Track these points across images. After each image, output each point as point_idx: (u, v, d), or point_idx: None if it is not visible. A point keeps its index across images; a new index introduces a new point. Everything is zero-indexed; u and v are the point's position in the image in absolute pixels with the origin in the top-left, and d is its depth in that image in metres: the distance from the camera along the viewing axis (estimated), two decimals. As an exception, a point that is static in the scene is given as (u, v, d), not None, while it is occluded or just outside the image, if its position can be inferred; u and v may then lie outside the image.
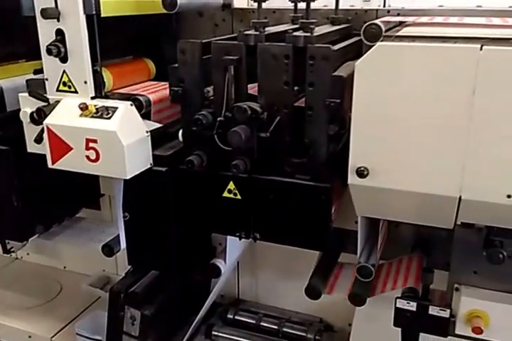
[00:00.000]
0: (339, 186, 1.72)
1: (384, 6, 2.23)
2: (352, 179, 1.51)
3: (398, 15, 2.14)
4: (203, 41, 1.72)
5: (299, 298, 2.12)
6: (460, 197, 1.41)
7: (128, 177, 1.77)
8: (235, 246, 2.23)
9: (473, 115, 1.32)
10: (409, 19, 1.80)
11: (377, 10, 2.20)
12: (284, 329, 2.53)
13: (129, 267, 2.39)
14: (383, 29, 1.61)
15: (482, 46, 1.29)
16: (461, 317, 1.58)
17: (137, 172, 1.80)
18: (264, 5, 1.78)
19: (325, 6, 2.16)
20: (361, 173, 1.48)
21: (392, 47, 1.38)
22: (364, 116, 1.45)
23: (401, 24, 1.80)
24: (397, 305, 1.67)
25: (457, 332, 1.60)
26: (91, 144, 1.76)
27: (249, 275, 2.77)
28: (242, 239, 1.93)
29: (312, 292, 1.93)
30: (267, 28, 1.73)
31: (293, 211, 1.74)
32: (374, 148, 1.46)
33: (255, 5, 1.77)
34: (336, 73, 1.57)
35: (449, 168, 1.39)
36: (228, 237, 2.12)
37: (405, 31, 1.54)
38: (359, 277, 1.82)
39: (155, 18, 2.03)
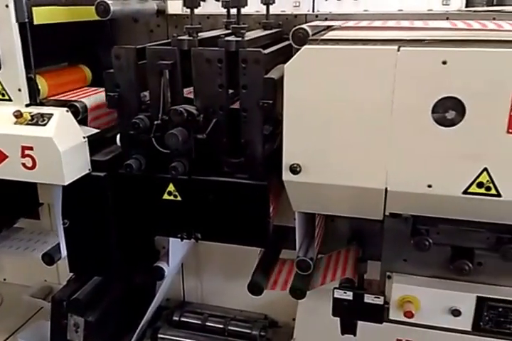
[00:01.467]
0: (277, 184, 1.79)
1: (313, 11, 2.33)
2: (286, 176, 1.58)
3: (326, 19, 2.25)
4: (138, 47, 1.75)
5: (244, 297, 2.17)
6: (386, 189, 1.51)
7: (66, 184, 1.75)
8: (177, 248, 2.25)
9: (393, 112, 1.42)
10: (337, 23, 1.90)
11: (306, 15, 2.30)
12: (230, 328, 2.58)
13: (71, 275, 2.35)
14: (310, 33, 1.70)
15: (399, 47, 1.39)
16: (393, 303, 1.67)
17: (75, 178, 1.79)
18: (198, 11, 1.82)
19: (257, 11, 2.23)
20: (294, 170, 1.55)
21: (317, 50, 1.47)
22: (295, 116, 1.53)
23: (329, 28, 1.89)
24: (335, 296, 1.74)
25: (391, 317, 1.69)
26: (27, 151, 1.74)
27: (193, 277, 2.79)
28: (186, 241, 1.96)
29: (254, 288, 1.98)
30: (200, 33, 1.79)
31: (232, 210, 1.79)
32: (305, 146, 1.54)
33: (189, 11, 1.81)
34: (267, 75, 1.64)
35: (375, 162, 1.49)
36: (170, 239, 2.14)
37: (330, 35, 1.63)
38: (298, 271, 1.89)
39: (90, 24, 2.03)
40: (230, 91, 1.72)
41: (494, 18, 2.10)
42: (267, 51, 1.70)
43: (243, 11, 1.86)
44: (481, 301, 1.58)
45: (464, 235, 1.62)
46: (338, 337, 1.98)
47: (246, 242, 1.86)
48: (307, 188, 1.60)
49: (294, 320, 2.46)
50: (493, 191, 1.40)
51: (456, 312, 1.59)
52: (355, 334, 1.85)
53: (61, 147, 1.71)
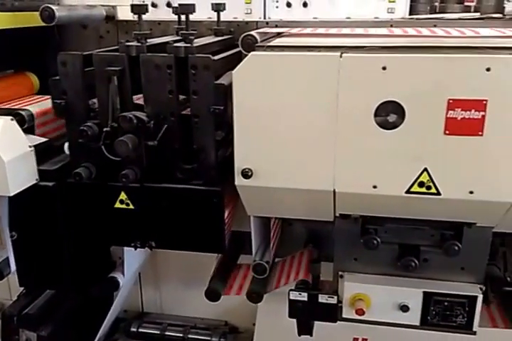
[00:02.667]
0: (233, 190, 1.80)
1: (264, 18, 2.38)
2: (238, 180, 1.60)
3: (276, 26, 2.30)
4: (84, 53, 1.73)
5: (204, 304, 2.16)
6: (334, 191, 1.55)
7: (11, 194, 1.70)
8: (133, 257, 2.22)
9: (338, 116, 1.47)
10: (286, 30, 1.95)
11: (257, 22, 2.35)
12: (189, 336, 2.58)
13: (22, 289, 2.27)
14: (258, 39, 1.74)
15: (342, 54, 1.44)
16: (346, 302, 1.71)
17: (22, 189, 1.74)
18: (149, 17, 1.82)
19: (209, 18, 2.26)
20: (246, 174, 1.57)
21: (263, 56, 1.50)
22: (244, 121, 1.55)
23: (279, 35, 1.93)
24: (290, 297, 1.77)
25: (344, 316, 1.73)
26: (-31, 162, 1.68)
27: (152, 287, 2.76)
28: (142, 250, 1.94)
29: (212, 294, 1.99)
30: (149, 40, 1.78)
31: (187, 216, 1.79)
32: (256, 150, 1.57)
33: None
34: (218, 81, 1.66)
35: (323, 165, 1.53)
36: (125, 249, 2.11)
37: (277, 41, 1.67)
38: (254, 274, 1.91)
39: (36, 31, 1.98)
40: (182, 97, 1.72)
41: (435, 25, 2.22)
42: (216, 57, 1.72)
43: (195, 17, 1.88)
44: (427, 296, 1.65)
45: (410, 233, 1.68)
46: (297, 339, 2.01)
47: (202, 249, 1.86)
48: (259, 192, 1.62)
49: (254, 325, 2.48)
50: (433, 190, 1.47)
51: (404, 308, 1.65)
52: (311, 335, 1.88)
53: (5, 157, 1.65)
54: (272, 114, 1.52)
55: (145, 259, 2.47)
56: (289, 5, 2.38)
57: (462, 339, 1.77)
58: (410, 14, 2.32)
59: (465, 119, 1.39)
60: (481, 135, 1.39)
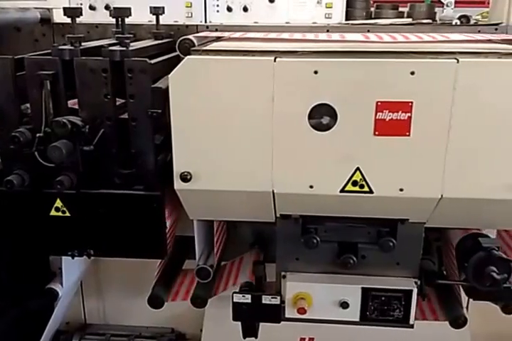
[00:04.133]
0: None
1: (205, 21, 2.40)
2: (177, 184, 1.59)
3: (216, 30, 2.31)
4: (16, 57, 1.67)
5: (149, 312, 2.12)
6: (273, 191, 1.57)
7: None
8: (73, 267, 2.15)
9: (273, 119, 1.50)
10: (226, 34, 1.97)
11: (197, 25, 2.36)
12: (134, 346, 2.51)
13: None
14: (196, 43, 1.74)
15: (275, 58, 1.47)
16: (288, 302, 1.74)
17: None
18: (86, 19, 1.79)
19: (150, 21, 2.25)
20: (185, 178, 1.57)
21: (199, 60, 1.51)
22: (182, 125, 1.55)
23: (218, 39, 1.95)
24: (234, 300, 1.77)
25: (287, 315, 1.76)
26: None
27: (94, 297, 2.68)
28: (82, 259, 1.88)
29: (155, 301, 1.96)
30: (85, 43, 1.75)
31: (126, 222, 1.75)
32: (194, 154, 1.57)
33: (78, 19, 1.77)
34: (155, 85, 1.65)
35: (261, 167, 1.55)
36: (63, 258, 2.04)
37: (214, 45, 1.68)
38: (198, 279, 1.90)
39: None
40: (120, 101, 1.70)
41: (369, 31, 2.31)
42: (154, 61, 1.71)
43: (135, 20, 1.86)
44: (365, 292, 1.70)
45: (349, 231, 1.74)
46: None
47: (142, 255, 1.82)
48: (199, 196, 1.62)
49: (201, 330, 2.46)
50: (366, 188, 1.53)
51: (344, 305, 1.69)
52: (256, 337, 1.89)
53: None
54: (209, 118, 1.53)
55: (86, 268, 2.40)
56: (229, 9, 2.41)
57: (397, 333, 1.83)
58: (347, 19, 2.42)
59: (393, 120, 1.45)
60: (408, 135, 1.46)
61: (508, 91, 1.42)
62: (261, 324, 1.90)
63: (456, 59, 1.42)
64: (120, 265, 2.12)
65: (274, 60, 1.47)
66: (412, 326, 1.74)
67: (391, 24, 2.38)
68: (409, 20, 2.48)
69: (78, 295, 2.61)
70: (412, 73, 1.42)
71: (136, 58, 1.64)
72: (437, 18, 2.54)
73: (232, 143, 1.54)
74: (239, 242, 2.33)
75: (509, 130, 1.46)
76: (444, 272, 2.01)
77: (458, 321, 1.92)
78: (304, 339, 2.38)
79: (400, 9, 2.62)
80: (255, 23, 2.35)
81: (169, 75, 1.52)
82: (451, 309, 1.97)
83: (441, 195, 1.51)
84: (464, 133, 1.46)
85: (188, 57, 1.52)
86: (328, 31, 2.33)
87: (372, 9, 2.59)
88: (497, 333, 2.53)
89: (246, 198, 1.62)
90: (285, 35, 1.95)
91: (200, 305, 1.91)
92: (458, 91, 1.42)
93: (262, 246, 2.29)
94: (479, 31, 2.25)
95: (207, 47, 1.61)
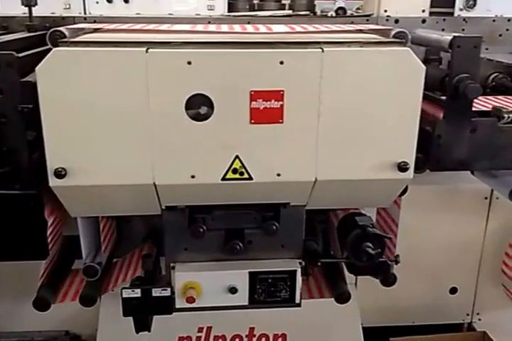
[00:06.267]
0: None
1: (84, 13, 2.31)
2: (52, 181, 1.53)
3: (95, 22, 2.24)
4: None
5: (41, 316, 2.03)
6: (155, 184, 1.56)
7: None
8: None
9: (150, 110, 1.48)
10: (103, 26, 1.91)
11: (74, 17, 2.27)
12: (27, 352, 2.38)
13: None
14: (67, 35, 1.67)
15: (148, 49, 1.45)
16: (178, 292, 1.74)
17: None
18: None
19: (24, 13, 2.12)
20: (59, 174, 1.50)
21: (66, 51, 1.45)
22: (53, 119, 1.49)
23: (96, 30, 1.88)
24: (123, 296, 1.74)
25: (177, 306, 1.76)
26: None
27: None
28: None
29: (40, 304, 1.87)
30: None
31: (4, 223, 1.65)
32: (68, 149, 1.51)
33: None
34: (24, 79, 1.56)
35: (140, 160, 1.53)
36: None
37: (84, 37, 1.62)
38: (85, 277, 1.85)
39: None
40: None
41: (249, 22, 2.36)
42: (22, 54, 1.62)
43: (7, 12, 1.75)
44: (252, 276, 1.75)
45: (236, 218, 1.78)
46: (140, 337, 1.98)
47: (23, 257, 1.73)
48: (77, 192, 1.57)
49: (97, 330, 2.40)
50: (245, 175, 1.57)
51: (233, 290, 1.73)
52: (149, 331, 1.88)
53: None
54: (82, 112, 1.48)
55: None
56: (109, 1, 2.35)
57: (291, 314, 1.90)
58: (230, 11, 2.46)
59: (267, 109, 1.51)
60: (282, 122, 1.52)
61: (369, 77, 1.52)
62: (158, 317, 1.90)
63: (321, 48, 1.49)
64: (5, 268, 1.99)
65: (147, 51, 1.45)
66: (298, 305, 1.82)
67: (271, 16, 2.45)
68: (290, 12, 2.58)
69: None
70: (281, 63, 1.48)
71: (1, 52, 1.54)
72: (317, 10, 2.66)
73: (107, 136, 1.50)
74: (131, 237, 2.30)
75: (373, 114, 1.57)
76: (332, 252, 2.13)
77: (342, 297, 2.04)
78: (202, 328, 2.41)
79: (283, 2, 2.73)
80: (137, 14, 2.31)
81: (36, 68, 1.45)
82: (336, 286, 2.09)
83: (316, 178, 1.60)
84: (332, 118, 1.55)
85: (56, 49, 1.45)
86: (209, 23, 2.35)
87: (255, 1, 2.66)
88: (385, 306, 2.74)
89: (127, 192, 1.59)
90: (164, 27, 1.93)
91: (89, 304, 1.86)
92: (324, 79, 1.50)
93: (156, 240, 2.28)
94: (352, 22, 2.41)
95: (76, 39, 1.54)
